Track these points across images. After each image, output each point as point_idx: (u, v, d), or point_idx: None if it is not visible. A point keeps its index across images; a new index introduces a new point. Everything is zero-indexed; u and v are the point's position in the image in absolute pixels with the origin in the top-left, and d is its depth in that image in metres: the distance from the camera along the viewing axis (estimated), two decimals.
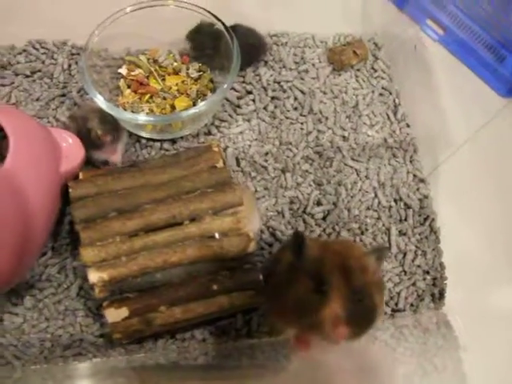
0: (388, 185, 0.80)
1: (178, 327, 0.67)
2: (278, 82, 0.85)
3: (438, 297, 0.76)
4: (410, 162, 0.82)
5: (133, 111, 0.78)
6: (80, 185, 0.66)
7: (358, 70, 0.89)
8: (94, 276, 0.62)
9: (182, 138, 0.79)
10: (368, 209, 0.79)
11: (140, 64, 0.82)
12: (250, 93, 0.84)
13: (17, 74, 0.82)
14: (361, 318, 0.49)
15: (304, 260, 0.51)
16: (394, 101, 0.87)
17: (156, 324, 0.64)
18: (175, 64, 0.83)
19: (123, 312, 0.63)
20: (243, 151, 0.79)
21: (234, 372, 0.67)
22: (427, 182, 0.82)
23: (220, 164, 0.69)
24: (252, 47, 0.82)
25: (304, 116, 0.83)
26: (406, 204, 0.79)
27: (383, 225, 0.78)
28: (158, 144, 0.79)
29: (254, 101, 0.83)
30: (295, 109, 0.83)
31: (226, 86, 0.73)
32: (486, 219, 0.82)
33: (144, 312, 0.63)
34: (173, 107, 0.79)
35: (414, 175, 0.82)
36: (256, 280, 0.65)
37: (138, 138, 0.79)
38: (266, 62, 0.86)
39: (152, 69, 0.81)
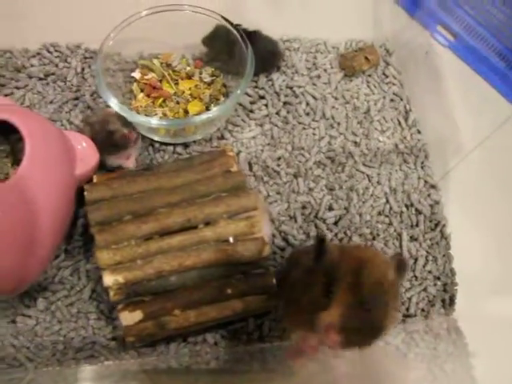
0: (399, 190, 0.80)
1: (191, 331, 0.68)
2: (291, 88, 0.85)
3: (449, 303, 0.77)
4: (421, 167, 0.83)
5: (146, 115, 0.79)
6: (95, 188, 0.67)
7: (369, 75, 0.89)
8: (108, 279, 0.62)
9: (194, 142, 0.80)
10: (379, 214, 0.79)
11: (153, 68, 0.82)
12: (262, 98, 0.84)
13: (30, 77, 0.83)
14: (363, 328, 0.48)
15: (322, 263, 0.51)
16: (405, 107, 0.87)
17: (170, 327, 0.64)
18: (188, 68, 0.83)
19: (137, 315, 0.63)
20: (256, 156, 0.80)
21: (245, 376, 0.68)
22: (438, 187, 0.82)
23: (234, 168, 0.69)
24: (269, 54, 0.82)
25: (316, 121, 0.83)
26: (417, 210, 0.80)
27: (395, 230, 0.78)
28: (170, 148, 0.79)
29: (266, 106, 0.83)
30: (307, 114, 0.84)
31: (239, 91, 0.73)
32: (495, 225, 0.82)
33: (158, 315, 0.63)
34: (186, 111, 0.79)
35: (425, 181, 0.82)
36: (270, 284, 0.66)
37: (151, 142, 0.79)
38: (278, 68, 0.87)
39: (165, 73, 0.82)
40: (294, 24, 0.91)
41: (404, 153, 0.83)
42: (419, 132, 0.86)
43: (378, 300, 0.48)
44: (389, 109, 0.87)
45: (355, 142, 0.83)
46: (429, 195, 0.81)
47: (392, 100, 0.88)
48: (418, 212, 0.80)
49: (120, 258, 0.62)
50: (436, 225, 0.80)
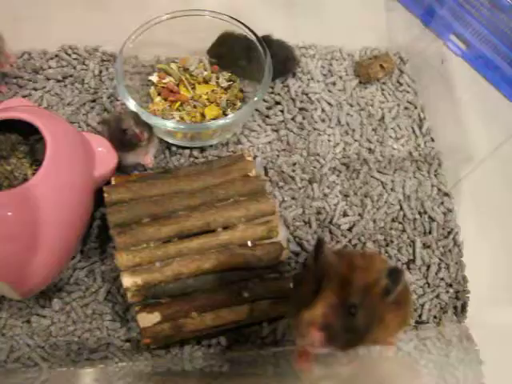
0: (413, 198, 0.81)
1: (206, 333, 0.68)
2: (306, 94, 0.86)
3: (461, 310, 0.77)
4: (435, 175, 0.83)
5: (163, 118, 0.79)
6: (115, 190, 0.67)
7: (384, 83, 0.90)
8: (127, 280, 0.62)
9: (211, 146, 0.80)
10: (393, 221, 0.80)
11: (171, 72, 0.83)
12: (278, 103, 0.85)
13: (48, 79, 0.83)
14: (346, 330, 0.47)
15: (318, 264, 0.52)
16: (419, 115, 0.88)
17: (186, 330, 0.65)
18: (205, 73, 0.84)
19: (155, 317, 0.63)
20: (271, 161, 0.80)
21: (258, 380, 0.68)
22: (451, 195, 0.83)
23: (253, 173, 0.69)
24: (282, 59, 0.82)
25: (331, 128, 0.84)
26: (430, 217, 0.80)
27: (408, 237, 0.79)
28: (187, 151, 0.80)
29: (282, 111, 0.84)
30: (323, 120, 0.84)
31: (256, 98, 0.73)
32: (508, 233, 0.83)
33: (175, 317, 0.64)
34: (203, 115, 0.80)
35: (439, 189, 0.82)
36: (286, 288, 0.66)
37: (168, 145, 0.80)
38: (294, 74, 0.87)
39: (183, 77, 0.82)
40: (310, 31, 0.92)
41: (418, 160, 0.84)
42: (433, 140, 0.86)
43: (364, 306, 0.48)
44: (403, 116, 0.87)
45: (370, 149, 0.84)
46: (442, 203, 0.82)
47: (406, 108, 0.88)
48: (432, 219, 0.80)
49: (139, 260, 0.63)
50: (449, 232, 0.80)
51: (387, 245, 0.78)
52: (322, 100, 0.86)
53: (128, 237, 0.64)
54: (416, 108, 0.88)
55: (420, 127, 0.87)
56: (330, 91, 0.87)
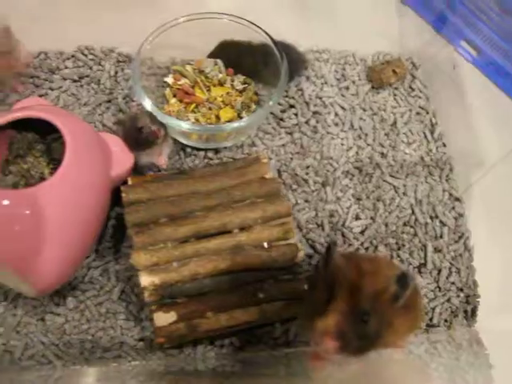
0: (425, 202, 0.82)
1: (219, 334, 0.68)
2: (320, 98, 0.87)
3: (471, 314, 0.78)
4: (446, 180, 0.84)
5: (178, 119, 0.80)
6: (132, 190, 0.68)
7: (396, 88, 0.91)
8: (145, 280, 0.63)
9: (225, 147, 0.81)
10: (405, 225, 0.80)
11: (186, 74, 0.84)
12: (292, 107, 0.86)
13: (65, 79, 0.84)
14: (359, 338, 0.48)
15: (328, 269, 0.52)
16: (431, 120, 0.89)
17: (201, 330, 0.65)
18: (220, 76, 0.84)
19: (171, 316, 0.64)
20: (285, 163, 0.81)
21: (269, 380, 0.68)
22: (462, 200, 0.83)
23: (269, 175, 0.70)
24: (296, 61, 0.83)
25: (344, 132, 0.85)
26: (441, 222, 0.81)
27: (419, 241, 0.79)
28: (202, 153, 0.80)
29: (296, 115, 0.85)
30: (336, 124, 0.85)
31: (271, 102, 0.74)
32: None
33: (191, 317, 0.64)
34: (218, 117, 0.81)
35: (450, 194, 0.83)
36: (300, 290, 0.67)
37: (183, 146, 0.80)
38: (308, 78, 0.88)
39: (198, 79, 0.83)
40: (323, 35, 0.93)
41: (429, 165, 0.85)
42: (444, 145, 0.87)
43: (376, 312, 0.49)
44: (415, 122, 0.88)
45: (382, 154, 0.84)
46: (453, 208, 0.82)
47: (418, 113, 0.89)
48: (443, 224, 0.81)
49: (157, 259, 0.63)
50: (460, 237, 0.81)
51: (399, 248, 0.78)
52: (335, 104, 0.86)
53: (146, 236, 0.64)
54: (428, 113, 0.89)
55: (432, 132, 0.88)
56: (343, 95, 0.88)
